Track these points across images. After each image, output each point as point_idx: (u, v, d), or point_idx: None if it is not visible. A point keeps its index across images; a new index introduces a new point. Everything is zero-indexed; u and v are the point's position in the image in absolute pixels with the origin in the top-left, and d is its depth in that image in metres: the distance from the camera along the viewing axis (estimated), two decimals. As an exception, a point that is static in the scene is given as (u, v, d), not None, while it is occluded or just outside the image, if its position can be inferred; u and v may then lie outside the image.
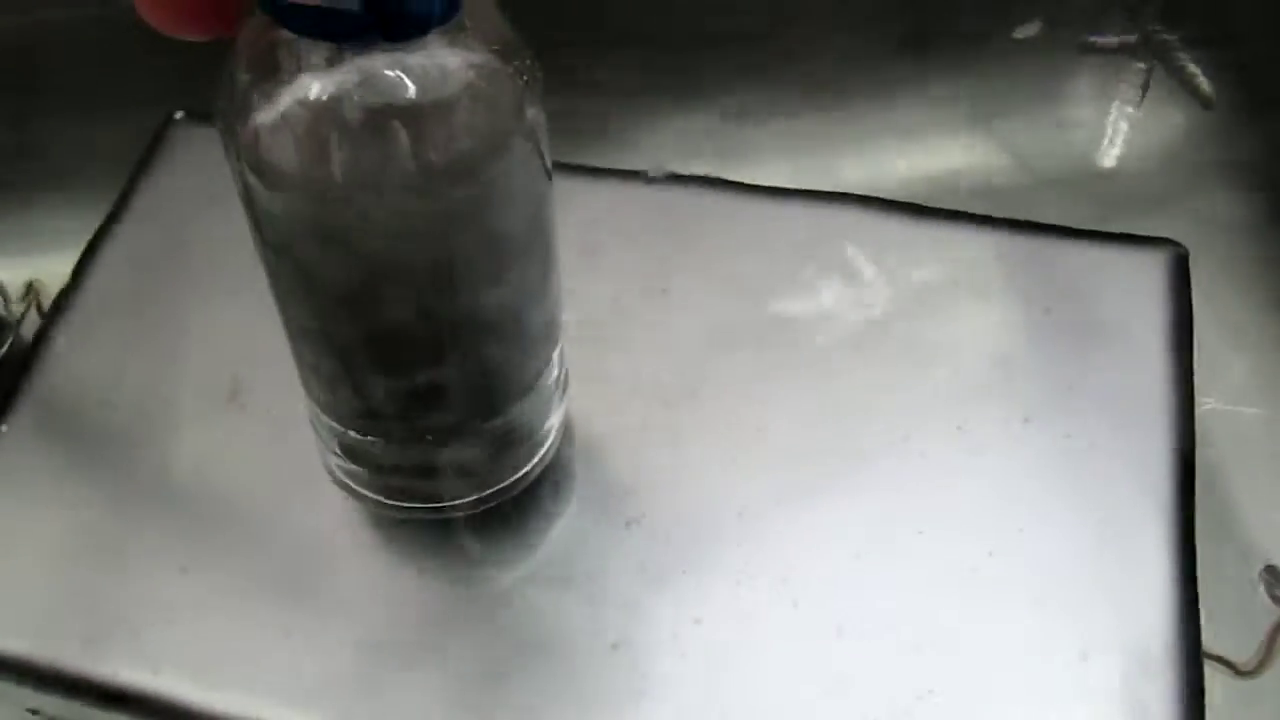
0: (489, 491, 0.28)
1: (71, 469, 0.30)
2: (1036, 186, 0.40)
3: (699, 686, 0.25)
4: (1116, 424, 0.28)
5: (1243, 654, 0.28)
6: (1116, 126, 0.42)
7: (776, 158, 0.41)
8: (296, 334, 0.25)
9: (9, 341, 0.33)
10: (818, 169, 0.41)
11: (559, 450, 0.28)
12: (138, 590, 0.28)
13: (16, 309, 0.33)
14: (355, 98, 0.19)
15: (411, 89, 0.20)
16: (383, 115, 0.20)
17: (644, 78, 0.42)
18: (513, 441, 0.27)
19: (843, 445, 0.29)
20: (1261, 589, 0.25)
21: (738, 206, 0.33)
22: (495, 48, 0.21)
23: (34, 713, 0.35)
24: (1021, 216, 0.32)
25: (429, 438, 0.26)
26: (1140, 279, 0.31)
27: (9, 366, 0.32)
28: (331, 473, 0.28)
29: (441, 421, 0.25)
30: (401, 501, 0.27)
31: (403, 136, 0.20)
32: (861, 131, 0.42)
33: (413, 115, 0.20)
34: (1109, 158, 0.41)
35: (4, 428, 0.30)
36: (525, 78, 0.21)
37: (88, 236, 0.34)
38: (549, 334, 0.26)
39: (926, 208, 0.32)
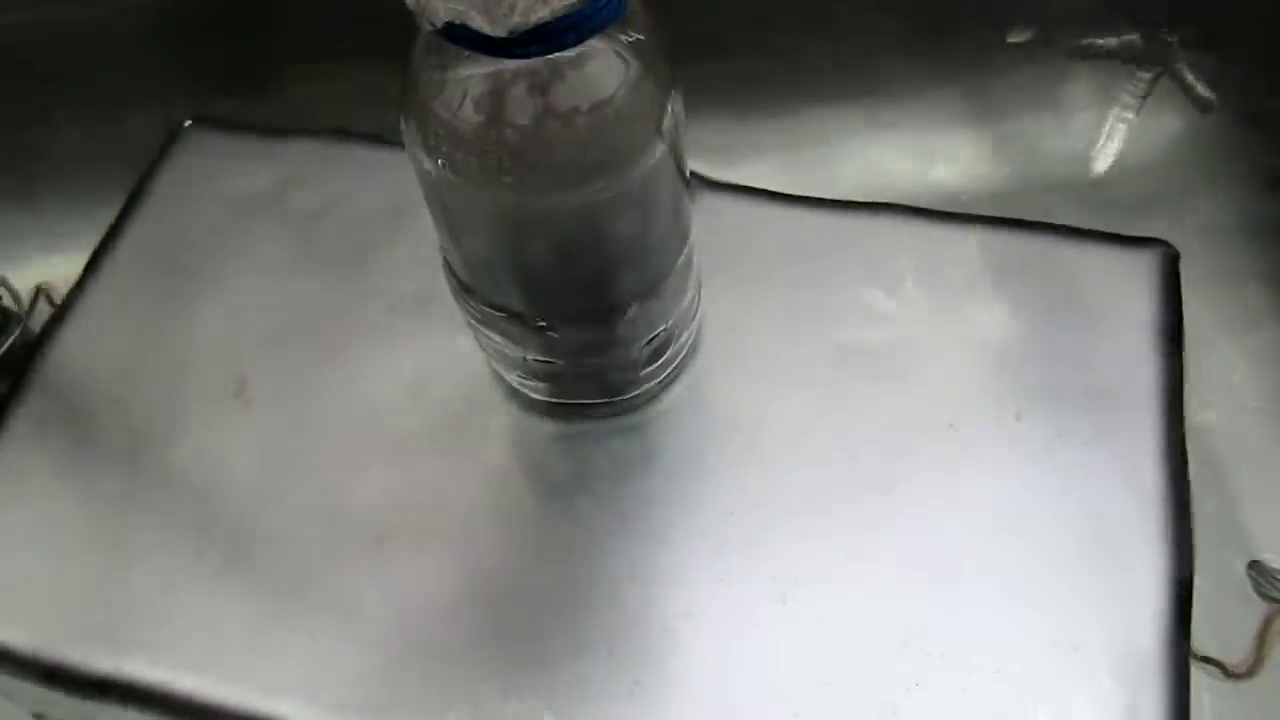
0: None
1: (78, 463, 0.30)
2: (1033, 190, 0.41)
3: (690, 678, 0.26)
4: (1108, 421, 0.29)
5: (1234, 654, 0.28)
6: (1113, 130, 0.42)
7: (773, 158, 0.41)
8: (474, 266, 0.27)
9: (14, 337, 0.33)
10: (815, 170, 0.42)
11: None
12: (143, 584, 0.28)
13: (25, 307, 0.34)
14: (520, 103, 0.22)
15: (568, 94, 0.22)
16: (544, 120, 0.22)
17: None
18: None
19: (835, 441, 0.29)
20: (1249, 585, 0.25)
21: (737, 208, 0.34)
22: (642, 40, 0.23)
23: (39, 717, 0.35)
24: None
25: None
26: (1132, 278, 0.31)
27: (17, 362, 0.32)
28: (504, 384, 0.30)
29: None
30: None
31: (559, 137, 0.22)
32: (859, 134, 0.42)
33: (568, 115, 0.22)
34: (1105, 161, 0.41)
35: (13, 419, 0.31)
36: (669, 74, 0.23)
37: (96, 239, 0.35)
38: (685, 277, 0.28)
39: (921, 209, 0.33)
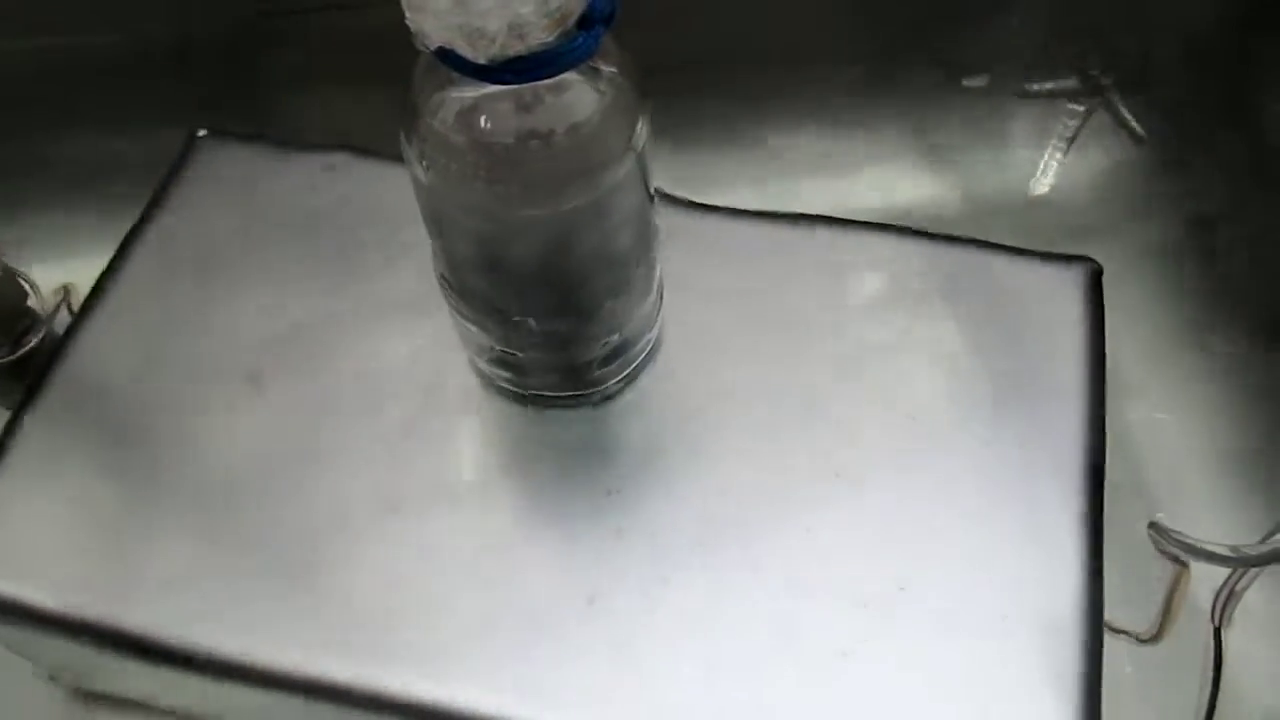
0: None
1: (104, 442, 0.33)
2: (978, 214, 0.44)
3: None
4: (1036, 418, 0.32)
5: (1145, 612, 0.31)
6: (1049, 162, 0.46)
7: (742, 188, 0.45)
8: (459, 266, 0.30)
9: (43, 333, 0.36)
10: (781, 198, 0.45)
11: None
12: (163, 552, 0.31)
13: (50, 305, 0.36)
14: (503, 121, 0.25)
15: (547, 116, 0.25)
16: (524, 140, 0.25)
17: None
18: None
19: (795, 428, 0.32)
20: (1152, 547, 0.28)
21: (705, 224, 0.37)
22: (615, 74, 0.26)
23: (54, 679, 0.38)
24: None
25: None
26: (1061, 290, 0.34)
27: (43, 357, 0.35)
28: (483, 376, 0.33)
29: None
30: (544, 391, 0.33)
31: (538, 154, 0.25)
32: (822, 162, 0.46)
33: (547, 136, 0.25)
34: (1043, 189, 0.45)
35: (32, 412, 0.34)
36: (637, 102, 0.26)
37: (115, 243, 0.37)
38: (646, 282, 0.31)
39: (876, 224, 0.36)
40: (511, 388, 0.33)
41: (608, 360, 0.32)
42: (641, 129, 0.27)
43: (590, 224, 0.28)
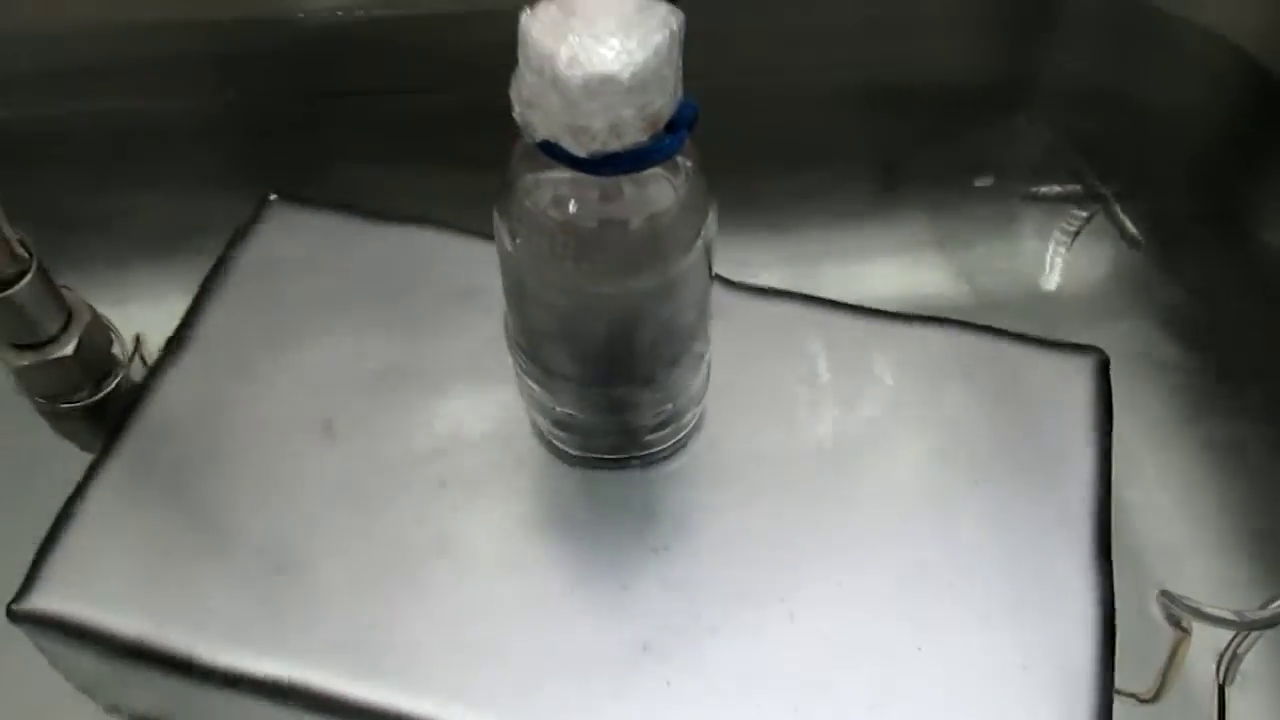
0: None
1: (178, 485, 0.35)
2: (988, 305, 0.48)
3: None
4: (1050, 490, 0.35)
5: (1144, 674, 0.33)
6: (1054, 259, 0.50)
7: (773, 270, 0.48)
8: (533, 331, 0.33)
9: (120, 378, 0.38)
10: (806, 283, 0.48)
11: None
12: (238, 585, 0.33)
13: (129, 351, 0.39)
14: (590, 207, 0.28)
15: (628, 205, 0.28)
16: (607, 224, 0.28)
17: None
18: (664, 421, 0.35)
19: (829, 494, 0.35)
20: (1159, 613, 0.30)
21: (743, 302, 0.40)
22: (691, 170, 0.29)
23: (115, 709, 0.39)
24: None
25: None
26: (1073, 376, 0.37)
27: (122, 400, 0.37)
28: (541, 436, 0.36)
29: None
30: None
31: (617, 238, 0.28)
32: (845, 254, 0.49)
33: (626, 223, 0.28)
34: (1049, 283, 0.49)
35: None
36: (707, 197, 0.29)
37: (188, 299, 0.40)
38: (699, 362, 0.34)
39: (900, 313, 0.39)
40: (567, 448, 0.35)
41: (660, 427, 0.35)
42: (711, 221, 0.30)
43: (657, 303, 0.30)
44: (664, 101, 0.26)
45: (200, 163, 0.47)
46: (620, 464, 0.35)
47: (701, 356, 0.34)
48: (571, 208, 0.28)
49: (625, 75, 0.24)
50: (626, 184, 0.28)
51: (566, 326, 0.31)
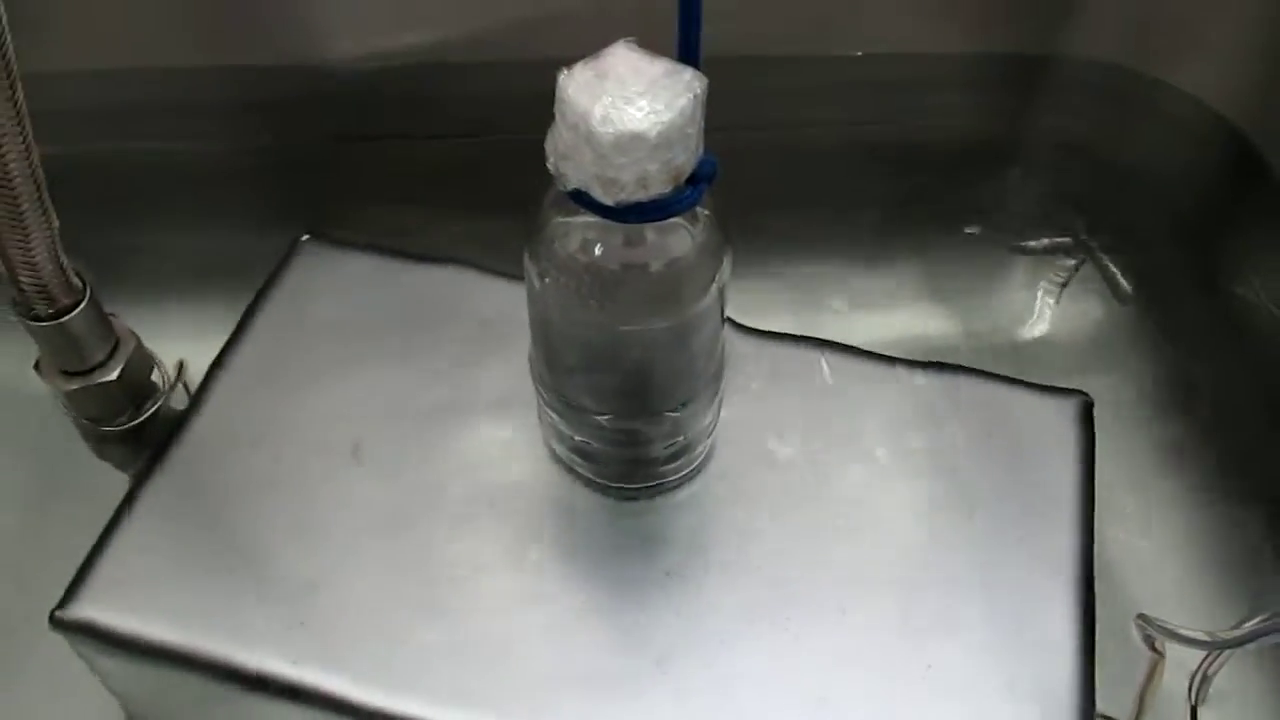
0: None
1: (219, 500, 0.37)
2: (978, 349, 0.51)
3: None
4: (1036, 523, 0.37)
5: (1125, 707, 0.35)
6: (1043, 308, 0.52)
7: (767, 314, 0.51)
8: (555, 365, 0.35)
9: (160, 403, 0.40)
10: (803, 326, 0.51)
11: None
12: (271, 599, 0.35)
13: (170, 378, 0.41)
14: (614, 252, 0.30)
15: (650, 251, 0.30)
16: (629, 268, 0.30)
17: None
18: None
19: (825, 519, 0.37)
20: (1136, 636, 0.32)
21: (740, 342, 0.42)
22: (709, 219, 0.31)
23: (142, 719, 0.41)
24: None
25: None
26: (1058, 418, 0.40)
27: (160, 425, 0.39)
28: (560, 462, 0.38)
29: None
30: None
31: (639, 281, 0.31)
32: (841, 300, 0.52)
33: (647, 267, 0.31)
34: (1037, 330, 0.52)
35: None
36: (722, 245, 0.32)
37: (226, 329, 0.42)
38: (713, 395, 0.36)
39: (892, 357, 0.41)
40: (584, 474, 0.38)
41: (672, 458, 0.37)
42: (725, 267, 0.32)
43: (673, 343, 0.33)
44: (686, 157, 0.28)
45: (236, 203, 0.49)
46: (634, 493, 0.38)
47: (714, 394, 0.37)
48: (597, 251, 0.30)
49: (652, 133, 0.27)
50: (649, 231, 0.30)
51: (588, 362, 0.34)
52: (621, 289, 0.31)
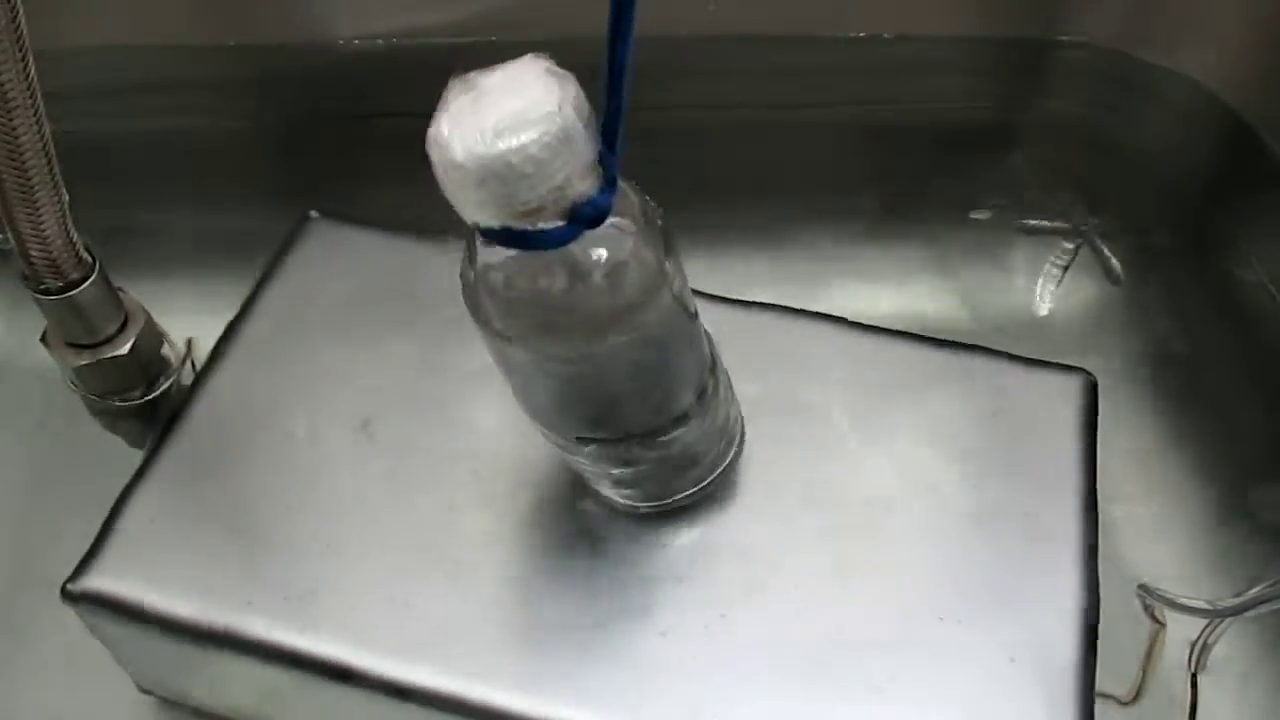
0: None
1: (232, 474, 0.38)
2: (982, 328, 0.51)
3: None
4: (1041, 500, 0.37)
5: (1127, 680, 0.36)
6: (1045, 288, 0.53)
7: (771, 293, 0.51)
8: (537, 393, 0.33)
9: (173, 379, 0.41)
10: (810, 305, 0.51)
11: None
12: (283, 569, 0.35)
13: (180, 355, 0.41)
14: (541, 278, 0.27)
15: (579, 269, 0.27)
16: (563, 290, 0.27)
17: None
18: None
19: (827, 494, 0.37)
20: (1138, 606, 0.33)
21: (741, 318, 0.42)
22: (636, 220, 0.28)
23: (147, 693, 0.41)
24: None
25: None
26: (1061, 395, 0.40)
27: (172, 403, 0.40)
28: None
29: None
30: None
31: (579, 300, 0.28)
32: (848, 278, 0.53)
33: (582, 284, 0.27)
34: (1039, 310, 0.52)
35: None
36: (663, 238, 0.29)
37: (234, 305, 0.42)
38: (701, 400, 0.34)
39: (895, 330, 0.42)
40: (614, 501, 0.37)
41: (675, 477, 0.36)
42: (672, 270, 0.29)
43: (636, 357, 0.30)
44: (560, 180, 0.25)
45: (243, 181, 0.49)
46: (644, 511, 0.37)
47: (710, 404, 0.34)
48: (535, 280, 0.28)
49: (511, 160, 0.24)
50: (580, 250, 0.27)
51: (561, 394, 0.32)
52: (572, 310, 0.28)
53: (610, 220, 0.27)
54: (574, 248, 0.26)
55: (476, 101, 0.24)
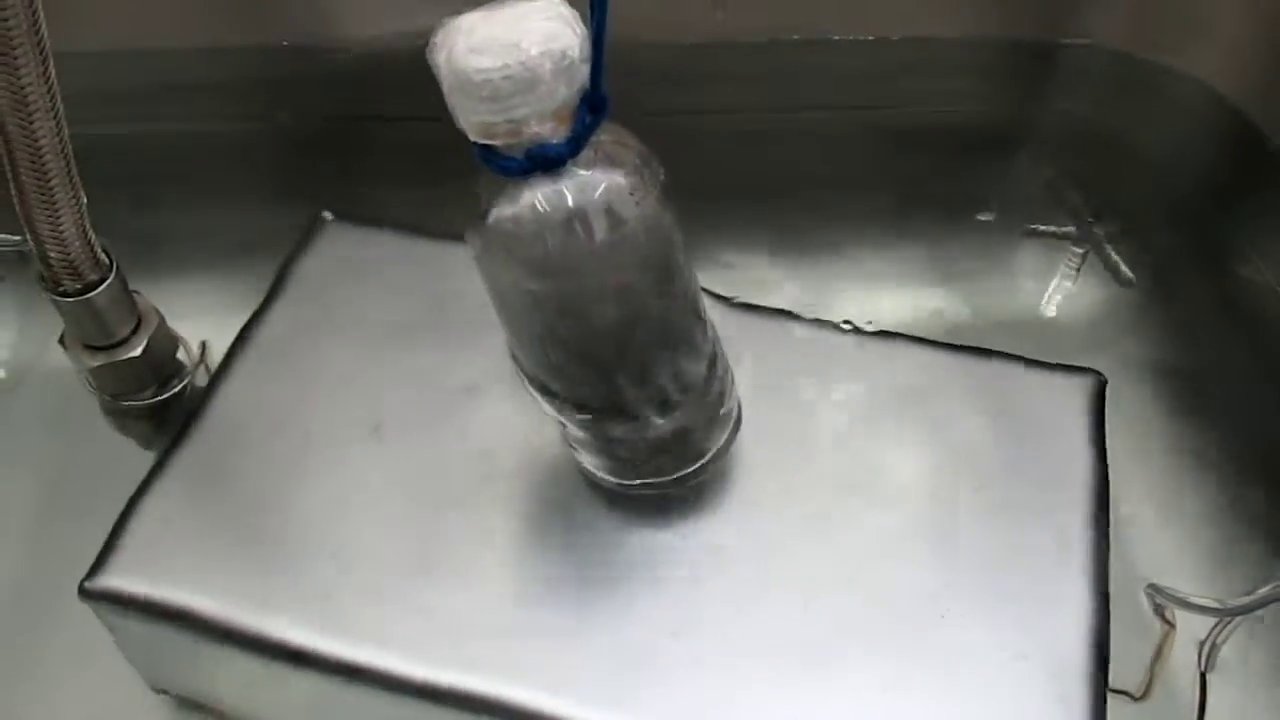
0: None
1: (242, 478, 0.38)
2: (989, 331, 0.51)
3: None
4: (1049, 499, 0.37)
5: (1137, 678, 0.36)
6: (1053, 291, 0.53)
7: (778, 294, 0.51)
8: (532, 344, 0.33)
9: (186, 381, 0.41)
10: (818, 310, 0.51)
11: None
12: (296, 569, 0.36)
13: (194, 357, 0.41)
14: (540, 207, 0.28)
15: (570, 199, 0.28)
16: (560, 216, 0.28)
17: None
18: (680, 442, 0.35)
19: (837, 495, 0.38)
20: (1148, 606, 0.33)
21: (748, 321, 0.42)
22: (631, 160, 0.29)
23: (161, 692, 0.42)
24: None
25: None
26: (1071, 396, 0.40)
27: (186, 405, 0.40)
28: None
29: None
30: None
31: (576, 229, 0.28)
32: (856, 282, 0.53)
33: (580, 214, 0.28)
34: (1046, 313, 0.52)
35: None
36: (655, 180, 0.30)
37: (248, 307, 0.42)
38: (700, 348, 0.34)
39: (914, 336, 0.42)
40: (597, 472, 0.37)
41: (678, 453, 0.36)
42: (670, 219, 0.30)
43: (645, 306, 0.31)
44: (561, 94, 0.26)
45: (256, 183, 0.50)
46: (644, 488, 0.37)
47: (699, 380, 0.35)
48: (539, 224, 0.28)
49: (497, 76, 0.25)
50: (560, 181, 0.28)
51: (543, 341, 0.32)
52: (573, 258, 0.29)
53: (598, 169, 0.28)
54: (567, 187, 0.28)
55: (481, 20, 0.26)
